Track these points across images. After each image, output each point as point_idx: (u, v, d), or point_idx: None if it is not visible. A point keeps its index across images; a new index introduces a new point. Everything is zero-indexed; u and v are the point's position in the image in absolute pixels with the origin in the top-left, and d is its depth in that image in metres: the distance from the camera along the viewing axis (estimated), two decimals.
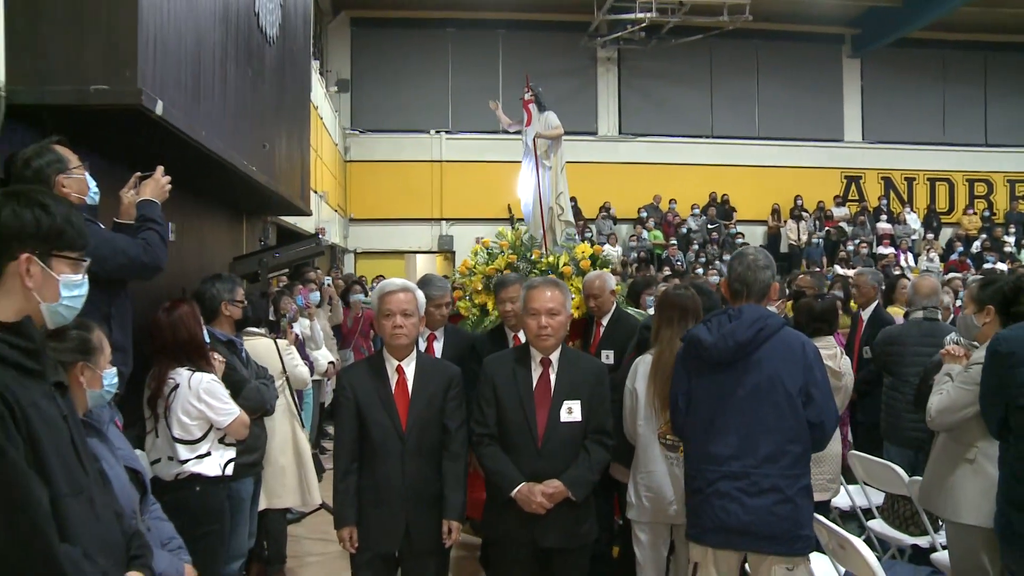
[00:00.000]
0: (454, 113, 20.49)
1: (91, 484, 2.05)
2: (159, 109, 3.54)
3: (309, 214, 9.03)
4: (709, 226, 20.19)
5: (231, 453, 4.00)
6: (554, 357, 3.74)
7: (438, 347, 4.99)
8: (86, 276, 2.06)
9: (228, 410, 3.94)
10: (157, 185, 3.47)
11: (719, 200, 20.90)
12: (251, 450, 4.40)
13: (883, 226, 20.83)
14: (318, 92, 14.52)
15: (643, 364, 4.13)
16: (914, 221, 21.56)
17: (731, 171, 21.27)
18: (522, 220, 20.53)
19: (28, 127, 3.46)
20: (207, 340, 4.17)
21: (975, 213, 21.98)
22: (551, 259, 6.30)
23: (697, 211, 20.51)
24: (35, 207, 1.93)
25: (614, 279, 5.36)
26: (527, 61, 20.65)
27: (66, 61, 3.38)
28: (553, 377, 3.72)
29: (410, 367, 3.69)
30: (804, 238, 20.21)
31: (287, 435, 5.23)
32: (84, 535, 1.93)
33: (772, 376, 3.40)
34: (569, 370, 3.74)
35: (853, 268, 18.29)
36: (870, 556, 3.28)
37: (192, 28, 4.23)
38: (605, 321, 5.20)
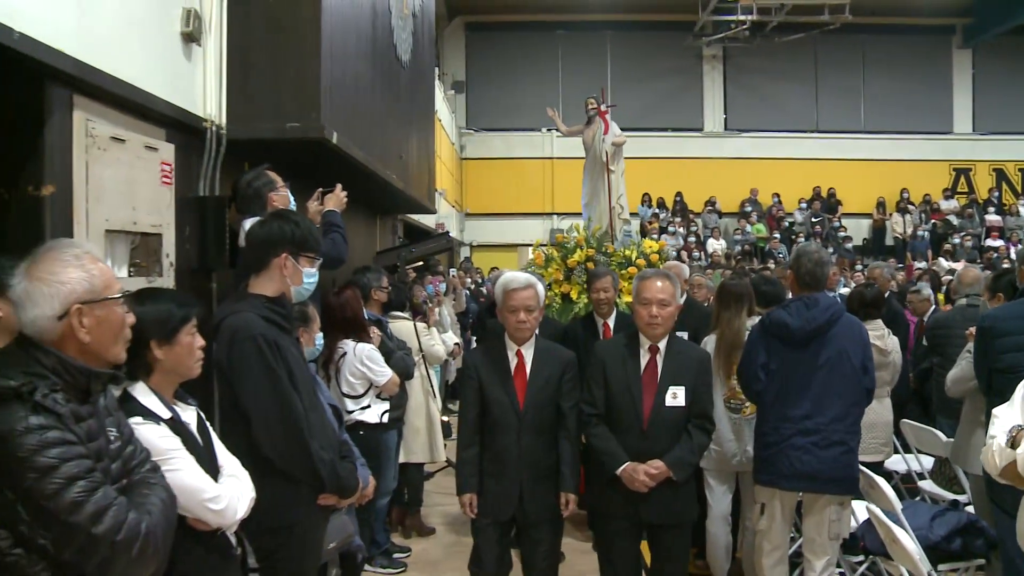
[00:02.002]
0: (564, 111, 21.08)
1: (319, 404, 3.10)
2: (335, 139, 4.63)
3: (435, 212, 10.11)
4: (813, 219, 20.54)
5: (386, 406, 5.07)
6: (662, 345, 3.96)
7: None
8: (316, 268, 3.11)
9: (384, 372, 4.99)
10: (338, 198, 4.47)
11: (824, 194, 21.21)
12: (396, 407, 5.45)
13: (992, 218, 20.74)
14: (436, 95, 15.63)
15: (709, 343, 4.97)
16: None
17: (836, 165, 21.55)
18: (635, 214, 21.16)
19: (236, 156, 4.56)
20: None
21: None
22: (627, 252, 7.09)
23: (804, 205, 20.88)
24: (291, 223, 3.00)
25: (687, 270, 6.20)
26: (634, 60, 21.56)
27: (268, 105, 4.47)
28: (660, 364, 3.94)
29: (529, 351, 3.91)
30: (909, 231, 20.35)
31: (421, 402, 6.27)
32: (319, 437, 2.98)
33: (840, 352, 4.22)
34: (675, 358, 3.95)
35: (958, 262, 18.48)
36: (890, 491, 4.11)
37: (352, 71, 5.32)
38: None
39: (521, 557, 4.01)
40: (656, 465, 3.78)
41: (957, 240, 19.53)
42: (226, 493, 2.39)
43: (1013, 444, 2.48)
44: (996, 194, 21.68)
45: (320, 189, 4.53)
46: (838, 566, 4.71)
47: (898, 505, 4.08)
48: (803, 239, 19.55)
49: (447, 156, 17.82)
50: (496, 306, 4.07)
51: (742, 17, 18.97)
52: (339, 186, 4.49)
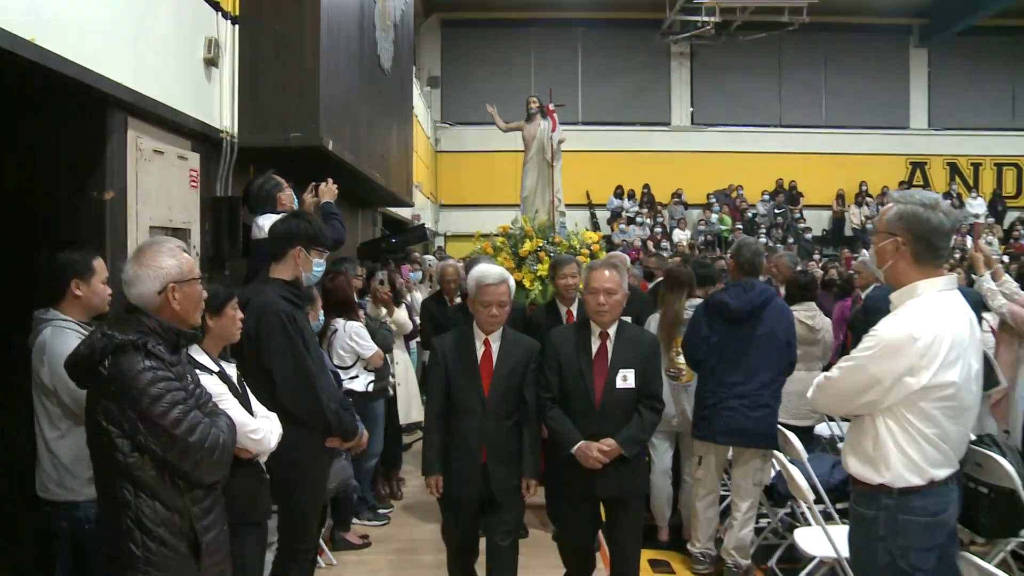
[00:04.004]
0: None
1: (326, 366, 3.86)
2: (330, 146, 5.37)
3: (412, 205, 10.84)
4: (776, 211, 21.42)
5: (371, 377, 5.80)
6: (611, 331, 4.17)
7: None
8: (324, 259, 3.87)
9: (370, 346, 5.73)
10: (331, 190, 5.19)
11: (786, 186, 22.11)
12: (380, 379, 6.18)
13: None
14: (413, 92, 16.28)
15: (653, 320, 5.80)
16: (980, 206, 22.28)
17: (799, 158, 22.40)
18: (602, 205, 21.62)
19: (245, 161, 5.29)
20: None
21: None
22: (575, 241, 7.58)
23: (767, 197, 21.79)
24: (305, 222, 3.76)
25: (628, 259, 6.84)
26: (604, 57, 22.41)
27: (274, 117, 5.22)
28: (610, 348, 4.15)
29: (496, 341, 4.10)
30: (867, 222, 21.26)
31: (401, 372, 7.03)
32: (327, 391, 3.74)
33: (771, 329, 5.09)
34: (625, 342, 4.16)
35: None
36: (798, 443, 4.92)
37: (345, 85, 6.07)
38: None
39: (485, 535, 4.20)
40: (608, 443, 4.02)
41: None
42: (263, 427, 3.15)
43: None
44: (954, 187, 22.62)
45: (312, 184, 5.26)
46: (765, 516, 5.58)
47: (804, 455, 4.90)
48: (764, 230, 20.47)
49: (423, 149, 18.48)
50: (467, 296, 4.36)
51: (707, 18, 19.77)
52: (330, 179, 5.22)
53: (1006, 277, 5.95)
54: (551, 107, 8.73)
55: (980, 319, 4.24)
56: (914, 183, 22.77)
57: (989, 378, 4.43)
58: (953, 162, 23.24)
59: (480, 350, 4.08)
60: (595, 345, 4.16)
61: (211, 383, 3.01)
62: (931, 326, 2.80)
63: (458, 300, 6.88)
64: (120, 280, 2.74)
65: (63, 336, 3.20)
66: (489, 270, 4.12)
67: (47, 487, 3.29)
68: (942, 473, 2.87)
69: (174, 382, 2.58)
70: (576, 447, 4.03)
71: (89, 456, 2.96)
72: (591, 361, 4.13)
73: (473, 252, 7.66)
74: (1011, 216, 22.49)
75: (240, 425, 3.00)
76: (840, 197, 22.10)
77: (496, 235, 8.04)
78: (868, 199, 21.81)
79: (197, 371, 2.98)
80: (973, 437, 4.54)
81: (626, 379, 4.09)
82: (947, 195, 22.15)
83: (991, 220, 21.76)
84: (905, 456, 2.86)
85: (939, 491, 2.88)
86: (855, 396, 2.94)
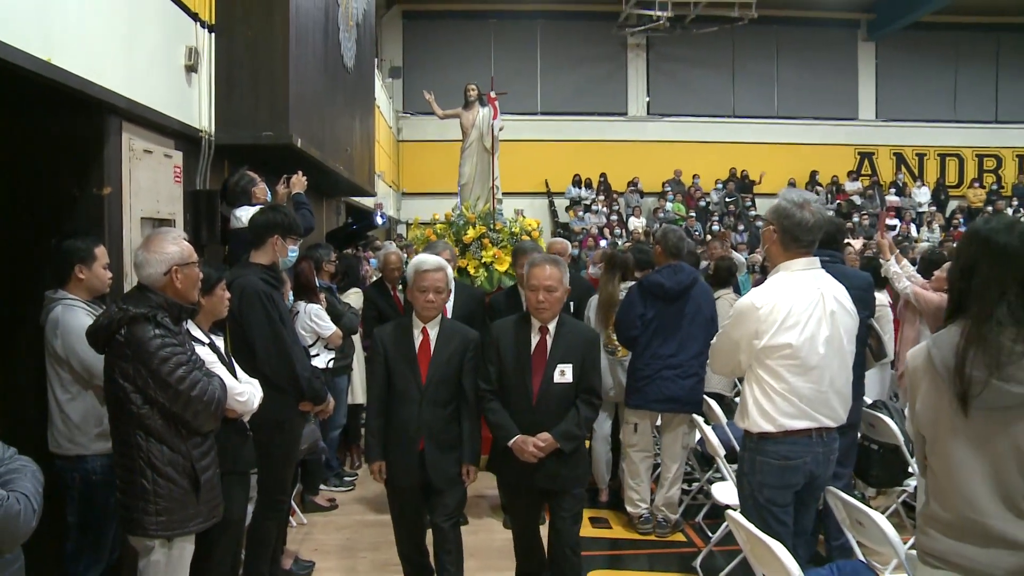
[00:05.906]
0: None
1: (298, 340, 4.40)
2: (299, 143, 5.89)
3: (375, 195, 11.36)
4: (727, 199, 22.16)
5: (331, 355, 6.32)
6: (551, 326, 4.20)
7: (449, 304, 5.20)
8: (297, 246, 4.41)
9: (329, 327, 6.24)
10: (300, 182, 5.69)
11: (739, 175, 22.88)
12: (345, 356, 6.72)
13: (891, 199, 22.57)
14: (376, 83, 16.71)
15: (594, 300, 6.37)
16: (924, 195, 23.22)
17: (751, 148, 23.17)
18: (561, 194, 22.08)
19: (221, 158, 5.80)
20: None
21: (982, 187, 23.55)
22: (515, 228, 7.83)
23: (720, 186, 22.53)
24: (281, 214, 4.29)
25: (569, 245, 7.24)
26: (562, 48, 23.02)
27: (247, 117, 5.73)
28: (549, 343, 4.18)
29: (434, 330, 4.21)
30: None
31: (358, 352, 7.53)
32: (299, 361, 4.28)
33: (698, 307, 5.72)
34: (564, 337, 4.20)
35: (857, 239, 20.21)
36: (718, 409, 5.55)
37: (311, 86, 6.59)
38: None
39: (430, 520, 4.30)
40: (544, 438, 4.07)
41: (857, 219, 21.28)
42: (247, 390, 3.69)
43: None
44: (900, 176, 23.55)
45: (284, 176, 5.76)
46: (697, 480, 6.21)
47: (724, 420, 5.53)
48: (717, 217, 21.17)
49: (385, 139, 18.94)
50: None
51: (660, 12, 20.43)
52: (300, 172, 5.74)
53: (906, 262, 6.65)
54: (492, 95, 8.76)
55: (872, 299, 4.86)
56: (862, 172, 23.81)
57: (879, 351, 5.06)
58: (899, 152, 24.20)
59: (418, 339, 4.19)
60: (535, 339, 4.20)
61: (203, 352, 3.54)
62: (771, 297, 3.45)
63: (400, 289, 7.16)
64: (118, 265, 3.26)
65: (72, 312, 3.72)
66: (427, 258, 4.26)
67: (59, 443, 3.79)
68: (796, 424, 3.48)
69: (178, 347, 3.13)
70: (512, 441, 4.11)
71: (96, 415, 3.56)
72: (530, 356, 4.18)
73: (414, 239, 7.86)
74: (952, 205, 23.45)
75: (228, 388, 3.53)
76: (792, 185, 22.84)
77: (437, 223, 8.20)
78: (819, 188, 22.61)
79: (192, 342, 3.51)
80: (869, 401, 5.24)
81: (564, 374, 4.14)
82: (893, 184, 23.15)
83: (933, 208, 22.65)
84: (759, 406, 3.51)
85: (795, 440, 3.51)
86: (727, 356, 3.64)
